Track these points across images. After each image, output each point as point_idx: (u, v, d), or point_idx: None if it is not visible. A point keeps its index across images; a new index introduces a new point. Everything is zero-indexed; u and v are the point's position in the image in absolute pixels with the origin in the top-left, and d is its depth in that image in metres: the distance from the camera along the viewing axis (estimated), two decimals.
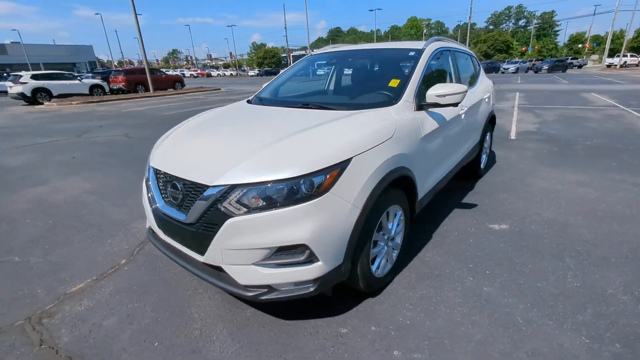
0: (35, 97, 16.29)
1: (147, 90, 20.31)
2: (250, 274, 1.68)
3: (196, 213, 1.70)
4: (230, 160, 1.73)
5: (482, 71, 4.26)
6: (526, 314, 1.94)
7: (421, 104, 2.42)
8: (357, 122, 2.05)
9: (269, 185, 1.59)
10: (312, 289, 1.71)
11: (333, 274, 1.75)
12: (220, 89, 24.17)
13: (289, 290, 1.71)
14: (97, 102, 16.12)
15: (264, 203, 1.60)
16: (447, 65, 3.17)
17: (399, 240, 2.33)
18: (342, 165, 1.70)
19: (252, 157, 1.72)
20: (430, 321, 1.93)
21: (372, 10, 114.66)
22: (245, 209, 1.61)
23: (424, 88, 2.44)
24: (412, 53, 2.79)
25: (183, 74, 58.04)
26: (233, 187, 1.61)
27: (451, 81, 3.17)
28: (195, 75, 59.23)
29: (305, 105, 2.47)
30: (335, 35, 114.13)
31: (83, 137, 7.85)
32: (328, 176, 1.66)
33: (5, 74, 25.11)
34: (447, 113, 2.75)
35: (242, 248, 1.63)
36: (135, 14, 18.59)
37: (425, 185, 2.54)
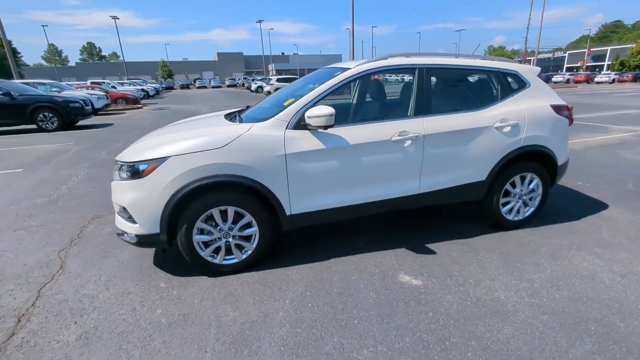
0: None
1: None
2: (118, 222, 2.63)
3: None
4: (132, 147, 2.70)
5: (521, 93, 3.06)
6: None
7: (302, 124, 2.49)
8: (205, 131, 2.54)
9: (124, 164, 2.47)
10: (135, 241, 2.48)
11: (152, 238, 2.43)
12: None
13: (128, 237, 2.55)
14: None
15: (125, 175, 2.48)
16: (393, 87, 2.79)
17: (253, 241, 2.60)
18: (159, 161, 2.34)
19: (133, 147, 2.64)
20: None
21: None
22: (119, 178, 2.56)
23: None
24: (336, 73, 2.74)
25: None
26: (117, 163, 2.59)
27: (401, 105, 2.77)
28: None
29: (228, 115, 3.06)
30: (611, 31, 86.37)
31: None
32: (148, 166, 2.36)
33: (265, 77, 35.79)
34: (357, 136, 2.58)
35: (114, 202, 2.61)
36: (353, 24, 21.84)
37: (313, 202, 2.59)
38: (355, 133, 2.62)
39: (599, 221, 3.36)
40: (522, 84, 3.13)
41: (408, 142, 2.70)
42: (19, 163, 6.38)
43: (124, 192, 2.44)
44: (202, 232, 2.51)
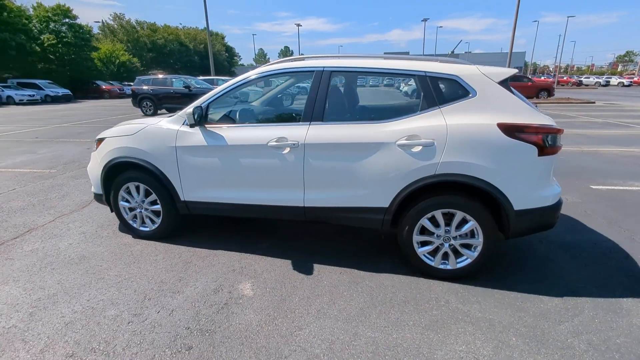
0: None
1: None
2: None
3: None
4: None
5: (455, 104, 2.30)
6: None
7: (199, 121, 2.75)
8: (133, 122, 3.14)
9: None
10: (93, 197, 3.39)
11: (99, 197, 3.27)
12: (594, 102, 18.71)
13: (93, 194, 3.48)
14: None
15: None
16: (301, 85, 2.57)
17: (159, 217, 3.10)
18: (102, 140, 3.13)
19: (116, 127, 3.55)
20: None
21: None
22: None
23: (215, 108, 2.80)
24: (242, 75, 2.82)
25: (605, 81, 46.30)
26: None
27: (296, 110, 2.58)
28: (627, 83, 45.09)
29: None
30: None
31: None
32: (98, 142, 3.19)
33: None
34: (236, 137, 2.65)
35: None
36: (515, 24, 18.49)
37: (200, 193, 2.88)
38: (236, 134, 2.69)
39: (586, 302, 2.15)
40: (463, 92, 2.33)
41: (286, 150, 2.55)
42: None
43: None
44: (126, 200, 3.18)
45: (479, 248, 2.38)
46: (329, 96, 2.56)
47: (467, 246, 2.43)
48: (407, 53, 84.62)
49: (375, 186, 2.43)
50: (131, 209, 3.19)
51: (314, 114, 2.54)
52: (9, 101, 22.13)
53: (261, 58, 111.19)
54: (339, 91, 2.69)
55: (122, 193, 3.14)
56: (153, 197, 3.05)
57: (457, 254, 2.45)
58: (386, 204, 2.44)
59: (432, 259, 2.49)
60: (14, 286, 2.48)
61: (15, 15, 32.63)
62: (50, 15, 37.27)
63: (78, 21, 39.61)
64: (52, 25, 37.61)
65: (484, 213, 2.29)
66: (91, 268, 2.73)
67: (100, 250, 3.02)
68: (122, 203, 3.19)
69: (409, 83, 2.56)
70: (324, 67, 2.58)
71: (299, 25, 48.85)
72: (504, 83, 2.32)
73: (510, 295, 2.33)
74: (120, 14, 51.86)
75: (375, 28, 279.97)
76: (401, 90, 2.53)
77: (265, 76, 2.74)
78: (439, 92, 2.36)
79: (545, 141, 2.20)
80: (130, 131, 2.99)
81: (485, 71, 2.35)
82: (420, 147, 2.29)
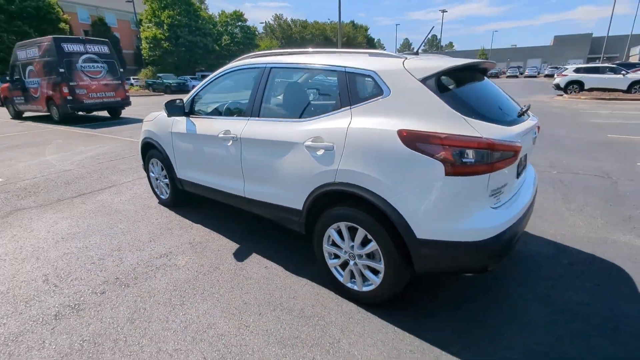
0: (566, 89, 17.56)
1: None
2: None
3: None
4: None
5: (367, 104, 1.95)
6: None
7: (185, 112, 3.22)
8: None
9: None
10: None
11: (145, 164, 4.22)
12: None
13: None
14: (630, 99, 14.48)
15: None
16: (251, 82, 2.64)
17: (166, 187, 3.77)
18: (142, 120, 3.99)
19: None
20: None
21: None
22: None
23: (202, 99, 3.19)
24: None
25: None
26: None
27: (254, 100, 2.64)
28: None
29: None
30: None
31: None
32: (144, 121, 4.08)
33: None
34: (203, 128, 2.98)
35: None
36: None
37: (188, 173, 3.37)
38: (203, 124, 3.01)
39: None
40: (377, 91, 1.95)
41: (230, 142, 2.71)
42: None
43: None
44: (151, 171, 3.97)
45: (381, 275, 2.02)
46: (266, 92, 2.56)
47: (373, 270, 2.09)
48: (591, 35, 66.17)
49: (290, 186, 2.35)
50: (156, 179, 3.98)
51: (253, 109, 2.61)
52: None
53: (405, 48, 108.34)
54: (276, 88, 2.64)
55: (150, 166, 3.95)
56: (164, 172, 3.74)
57: (364, 275, 2.14)
58: (300, 207, 2.33)
59: (343, 273, 2.25)
60: (67, 221, 3.56)
61: (206, 22, 41.60)
62: (228, 20, 45.96)
63: (247, 23, 47.40)
64: (229, 28, 46.32)
65: (383, 234, 1.92)
66: (114, 219, 3.61)
67: (130, 208, 3.92)
68: (150, 174, 4.01)
69: (321, 79, 2.30)
70: (266, 63, 2.59)
71: (443, 11, 45.16)
72: (429, 81, 1.83)
73: (406, 340, 1.90)
74: (279, 14, 59.22)
75: (553, 6, 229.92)
76: (330, 88, 2.28)
77: (222, 75, 2.95)
78: (354, 90, 2.05)
79: (457, 157, 1.66)
80: (152, 117, 3.72)
81: (411, 66, 1.90)
82: (322, 151, 2.08)
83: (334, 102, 2.16)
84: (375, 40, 69.87)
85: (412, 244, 1.82)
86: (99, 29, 39.91)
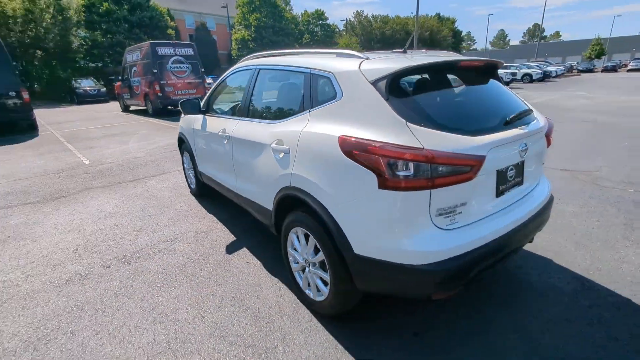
0: None
1: None
2: None
3: None
4: None
5: (323, 107, 1.86)
6: None
7: (203, 110, 3.50)
8: None
9: None
10: None
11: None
12: None
13: None
14: None
15: None
16: (245, 83, 2.73)
17: (194, 178, 4.14)
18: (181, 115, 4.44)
19: None
20: None
21: None
22: None
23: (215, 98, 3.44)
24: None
25: None
26: None
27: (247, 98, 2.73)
28: None
29: None
30: None
31: None
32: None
33: None
34: (211, 125, 3.20)
35: None
36: None
37: (204, 166, 3.66)
38: (213, 123, 3.21)
39: None
40: (332, 93, 1.83)
41: (225, 140, 2.85)
42: None
43: None
44: (185, 163, 4.39)
45: (329, 286, 1.92)
46: (254, 94, 2.63)
47: (324, 281, 1.99)
48: None
49: (263, 186, 2.37)
50: (187, 170, 4.40)
51: (243, 110, 2.70)
52: None
53: (499, 40, 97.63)
54: (262, 89, 2.65)
55: (183, 158, 4.38)
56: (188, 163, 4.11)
57: (317, 288, 2.06)
58: (270, 207, 2.35)
59: (303, 278, 2.20)
60: (115, 201, 4.18)
61: (289, 22, 43.64)
62: (310, 19, 47.45)
63: (332, 21, 48.20)
64: (310, 27, 47.83)
65: (329, 245, 1.82)
66: (149, 204, 4.11)
67: (166, 194, 4.41)
68: (184, 165, 4.45)
69: (300, 81, 2.20)
70: (257, 65, 2.65)
71: None
72: (380, 83, 1.65)
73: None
74: (360, 11, 58.86)
75: None
76: (299, 90, 2.17)
77: (229, 76, 3.12)
78: (315, 92, 1.97)
79: (390, 169, 1.47)
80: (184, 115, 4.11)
81: (366, 67, 1.74)
82: (282, 154, 2.06)
83: (298, 104, 2.11)
84: (463, 34, 64.51)
85: (350, 259, 1.70)
86: (201, 32, 44.93)
